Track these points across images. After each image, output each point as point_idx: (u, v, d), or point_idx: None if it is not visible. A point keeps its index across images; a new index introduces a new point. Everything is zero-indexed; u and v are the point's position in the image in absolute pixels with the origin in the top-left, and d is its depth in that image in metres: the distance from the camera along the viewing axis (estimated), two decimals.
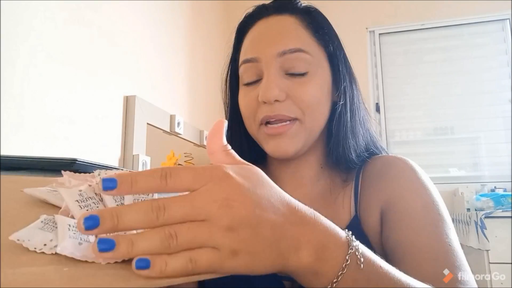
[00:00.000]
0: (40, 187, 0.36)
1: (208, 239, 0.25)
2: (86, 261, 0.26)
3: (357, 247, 0.32)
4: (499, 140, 2.40)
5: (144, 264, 0.24)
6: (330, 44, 0.59)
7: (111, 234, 0.26)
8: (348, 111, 0.58)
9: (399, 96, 2.62)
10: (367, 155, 0.59)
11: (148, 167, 1.55)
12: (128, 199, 0.34)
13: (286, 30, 0.57)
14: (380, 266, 0.33)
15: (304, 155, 0.60)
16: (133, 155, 1.49)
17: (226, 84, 0.67)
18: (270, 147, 0.56)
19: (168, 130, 1.81)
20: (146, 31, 1.73)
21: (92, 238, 0.28)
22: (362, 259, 0.31)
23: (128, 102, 1.53)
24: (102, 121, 1.39)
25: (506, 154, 2.35)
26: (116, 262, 0.27)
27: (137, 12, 1.66)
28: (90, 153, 1.30)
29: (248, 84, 0.58)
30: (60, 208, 0.34)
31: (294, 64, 0.55)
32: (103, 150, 1.39)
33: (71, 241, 0.26)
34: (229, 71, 0.66)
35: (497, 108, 2.43)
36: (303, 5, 0.61)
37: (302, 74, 0.55)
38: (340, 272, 0.30)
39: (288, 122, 0.55)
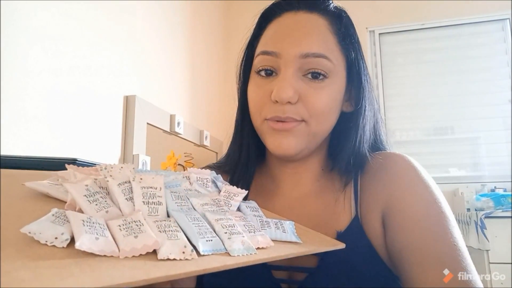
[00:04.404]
0: (40, 180, 0.36)
1: None
2: (104, 255, 0.26)
3: None
4: (499, 140, 2.40)
5: None
6: (352, 53, 0.57)
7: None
8: (360, 123, 0.57)
9: (399, 96, 2.62)
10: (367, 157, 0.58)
11: (148, 167, 1.55)
12: (137, 194, 0.34)
13: (314, 31, 0.54)
14: None
15: (305, 158, 0.59)
16: (133, 155, 1.49)
17: (240, 69, 0.64)
18: (272, 142, 0.54)
19: (168, 130, 1.81)
20: (146, 31, 1.73)
21: (107, 233, 0.28)
22: None
23: (128, 102, 1.53)
24: (102, 121, 1.39)
25: (506, 154, 2.35)
26: (133, 256, 0.27)
27: (137, 12, 1.66)
28: (90, 153, 1.30)
29: (261, 74, 0.56)
30: (61, 201, 0.34)
31: (314, 68, 0.53)
32: (103, 150, 1.39)
33: (88, 236, 0.27)
34: (245, 56, 0.63)
35: (497, 108, 2.43)
36: (334, 6, 0.58)
37: (320, 80, 0.53)
38: None
39: (295, 122, 0.53)
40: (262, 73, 0.55)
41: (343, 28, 0.56)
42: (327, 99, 0.53)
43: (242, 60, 0.63)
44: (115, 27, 1.50)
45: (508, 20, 2.48)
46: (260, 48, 0.57)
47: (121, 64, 1.52)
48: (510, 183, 2.25)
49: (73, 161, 0.54)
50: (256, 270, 0.52)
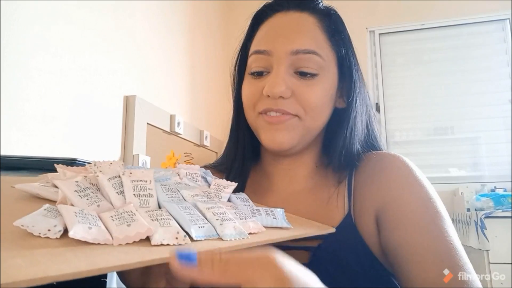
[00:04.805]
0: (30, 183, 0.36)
1: None
2: (98, 244, 0.27)
3: None
4: (499, 140, 2.40)
5: None
6: (343, 50, 0.59)
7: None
8: (352, 117, 0.58)
9: (399, 96, 2.62)
10: (362, 155, 0.59)
11: (148, 167, 1.55)
12: (128, 187, 0.34)
13: (304, 29, 0.56)
14: None
15: (299, 154, 0.60)
16: (133, 155, 1.49)
17: (235, 70, 0.66)
18: (266, 136, 0.55)
19: (168, 130, 1.81)
20: (146, 31, 1.73)
21: (100, 223, 0.29)
22: None
23: (128, 102, 1.53)
24: (102, 121, 1.39)
25: (506, 154, 2.35)
26: (127, 244, 0.28)
27: (137, 12, 1.66)
28: (90, 153, 1.30)
29: (254, 75, 0.57)
30: (52, 201, 0.34)
31: (305, 65, 0.54)
32: (103, 150, 1.39)
33: (81, 226, 0.27)
34: (239, 57, 0.65)
35: (497, 108, 2.43)
36: (324, 5, 0.60)
37: (311, 76, 0.55)
38: None
39: (288, 116, 0.55)
40: (256, 74, 0.57)
41: (332, 25, 0.58)
42: (319, 94, 0.55)
43: (236, 61, 0.65)
44: (115, 27, 1.50)
45: (508, 20, 2.48)
46: (253, 48, 0.59)
47: (121, 64, 1.52)
48: (510, 183, 2.25)
49: (73, 161, 0.54)
50: None
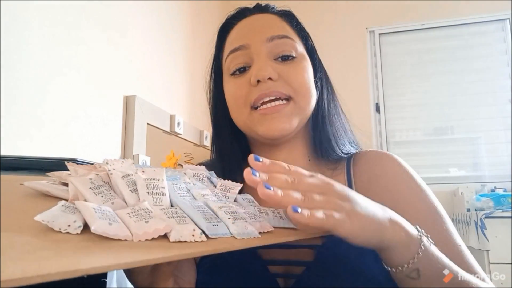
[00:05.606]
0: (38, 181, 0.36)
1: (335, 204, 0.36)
2: (119, 239, 0.27)
3: (426, 241, 0.41)
4: (499, 140, 2.40)
5: (296, 210, 0.33)
6: (308, 41, 0.63)
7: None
8: (328, 104, 0.62)
9: (399, 96, 2.62)
10: (352, 147, 0.61)
11: None
12: (141, 185, 0.34)
13: (272, 21, 0.61)
14: (439, 256, 0.42)
15: (291, 147, 0.61)
16: (133, 155, 1.49)
17: (210, 82, 0.68)
18: (265, 126, 0.56)
19: (168, 130, 1.81)
20: (146, 31, 1.73)
21: (118, 219, 0.29)
22: (430, 249, 0.41)
23: (128, 102, 1.53)
24: (102, 121, 1.39)
25: (506, 154, 2.35)
26: (146, 240, 0.28)
27: (137, 13, 1.66)
28: (90, 153, 1.30)
29: (235, 74, 0.59)
30: (62, 199, 0.34)
31: (282, 48, 0.57)
32: (103, 150, 1.39)
33: (101, 221, 0.27)
34: (212, 70, 0.67)
35: (497, 108, 2.43)
36: (281, 9, 0.65)
37: (291, 58, 0.58)
38: (419, 250, 0.40)
39: (283, 102, 0.56)
40: (237, 72, 0.59)
41: (294, 19, 0.63)
42: (303, 73, 0.58)
43: (211, 72, 0.67)
44: (115, 27, 1.50)
45: (508, 20, 2.48)
46: (227, 50, 0.61)
47: (121, 64, 1.52)
48: (510, 183, 2.25)
49: (73, 161, 0.54)
50: (252, 266, 0.52)
